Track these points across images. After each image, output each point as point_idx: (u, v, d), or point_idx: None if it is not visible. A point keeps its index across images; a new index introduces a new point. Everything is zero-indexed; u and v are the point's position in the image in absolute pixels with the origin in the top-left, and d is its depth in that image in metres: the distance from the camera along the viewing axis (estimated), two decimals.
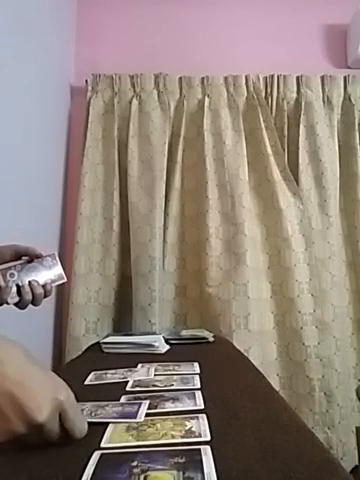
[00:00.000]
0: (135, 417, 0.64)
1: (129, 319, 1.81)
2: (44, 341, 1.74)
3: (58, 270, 0.83)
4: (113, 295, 1.85)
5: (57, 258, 0.84)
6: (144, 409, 0.68)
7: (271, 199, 1.93)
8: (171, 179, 1.94)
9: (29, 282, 0.77)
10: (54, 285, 0.82)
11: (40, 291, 0.78)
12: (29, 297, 0.76)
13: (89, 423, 0.55)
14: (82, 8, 2.23)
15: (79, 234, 1.85)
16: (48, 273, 0.81)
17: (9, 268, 0.75)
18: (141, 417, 0.64)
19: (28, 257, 0.80)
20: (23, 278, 0.76)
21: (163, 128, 1.97)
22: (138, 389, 0.83)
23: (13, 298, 0.75)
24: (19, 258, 0.80)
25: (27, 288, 0.76)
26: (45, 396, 0.46)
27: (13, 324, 1.39)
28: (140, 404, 0.70)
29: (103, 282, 1.84)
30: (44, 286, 0.79)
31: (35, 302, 0.78)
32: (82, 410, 0.68)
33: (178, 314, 1.87)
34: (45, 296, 0.80)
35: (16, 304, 0.76)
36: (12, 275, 0.75)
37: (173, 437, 0.56)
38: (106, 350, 1.32)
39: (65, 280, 0.85)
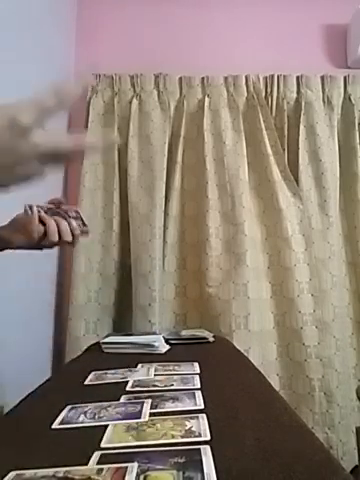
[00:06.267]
0: (139, 417, 0.64)
1: (129, 319, 1.80)
2: (44, 341, 1.74)
3: (82, 222, 0.80)
4: (113, 295, 1.85)
5: (81, 214, 0.80)
6: (147, 408, 0.68)
7: (271, 199, 1.93)
8: (171, 179, 1.94)
9: (56, 222, 0.74)
10: (79, 234, 0.79)
11: (67, 230, 0.75)
12: (55, 237, 0.73)
13: (91, 426, 0.55)
14: (82, 8, 2.23)
15: None
16: (74, 222, 0.78)
17: (32, 206, 0.73)
18: (145, 416, 0.64)
19: (53, 205, 0.77)
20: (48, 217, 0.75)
21: (163, 128, 1.97)
22: (138, 389, 0.83)
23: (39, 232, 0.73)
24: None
25: (53, 227, 0.73)
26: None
27: (14, 324, 1.39)
28: (142, 403, 0.70)
29: (103, 282, 1.84)
30: (72, 231, 0.76)
31: (64, 240, 0.74)
32: (85, 412, 0.68)
33: (178, 314, 1.87)
34: (73, 242, 0.77)
35: (39, 243, 0.74)
36: (38, 211, 0.73)
37: (173, 437, 0.56)
38: (106, 350, 1.32)
39: (89, 235, 0.82)
